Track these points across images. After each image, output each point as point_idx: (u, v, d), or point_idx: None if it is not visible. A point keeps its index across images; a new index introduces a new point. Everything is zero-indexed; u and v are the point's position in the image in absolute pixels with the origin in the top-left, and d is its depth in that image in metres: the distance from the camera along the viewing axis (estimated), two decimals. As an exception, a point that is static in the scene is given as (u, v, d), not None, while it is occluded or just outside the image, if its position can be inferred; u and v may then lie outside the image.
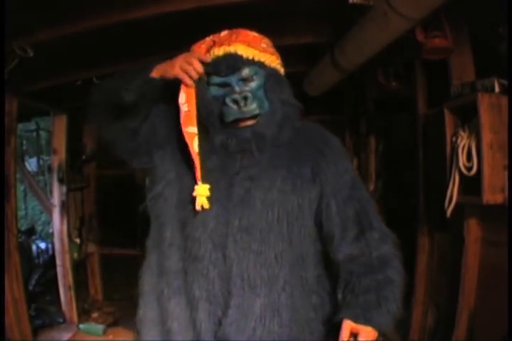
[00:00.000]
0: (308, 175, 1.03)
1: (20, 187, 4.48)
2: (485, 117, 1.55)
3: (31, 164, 4.83)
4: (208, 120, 1.02)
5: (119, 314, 3.39)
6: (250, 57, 0.99)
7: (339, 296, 1.01)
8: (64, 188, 3.18)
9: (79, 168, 3.65)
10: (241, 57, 0.98)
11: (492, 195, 1.54)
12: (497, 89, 1.57)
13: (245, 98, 0.97)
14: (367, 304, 0.96)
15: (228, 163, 1.03)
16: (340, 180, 1.05)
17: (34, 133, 4.91)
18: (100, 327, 3.05)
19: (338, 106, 3.68)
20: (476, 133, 1.60)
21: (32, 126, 4.66)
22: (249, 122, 1.00)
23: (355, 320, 0.94)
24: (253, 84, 1.00)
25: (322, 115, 3.58)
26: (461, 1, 1.63)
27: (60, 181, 3.16)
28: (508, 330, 1.27)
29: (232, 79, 0.99)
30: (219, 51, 0.99)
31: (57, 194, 3.17)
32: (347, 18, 1.87)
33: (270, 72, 1.02)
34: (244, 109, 0.97)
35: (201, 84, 1.00)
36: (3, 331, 1.97)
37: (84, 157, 3.69)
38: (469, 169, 1.62)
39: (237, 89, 0.98)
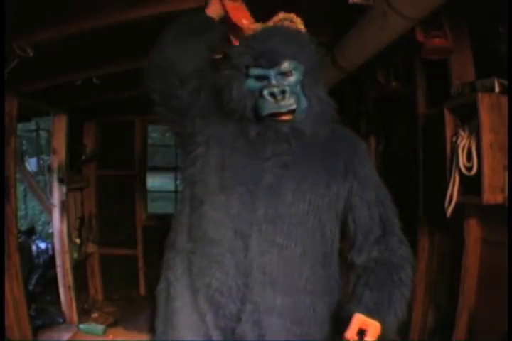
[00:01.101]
0: (342, 171, 1.04)
1: (20, 187, 4.49)
2: (485, 117, 1.55)
3: (31, 164, 4.83)
4: (242, 113, 1.00)
5: (119, 314, 3.39)
6: (291, 52, 0.97)
7: (350, 289, 1.02)
8: (64, 188, 3.17)
9: (79, 168, 3.65)
10: (282, 51, 0.97)
11: (492, 195, 1.54)
12: (497, 89, 1.57)
13: (283, 92, 0.95)
14: (380, 300, 0.95)
15: (260, 147, 1.01)
16: (368, 182, 1.06)
17: (34, 133, 4.91)
18: (100, 327, 3.05)
19: (338, 106, 3.67)
20: (476, 133, 1.60)
21: (32, 126, 4.67)
22: (286, 117, 0.98)
23: (368, 315, 0.92)
24: (291, 79, 0.98)
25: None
26: (461, 1, 1.63)
27: (60, 181, 3.15)
28: (508, 330, 1.27)
29: (271, 73, 0.97)
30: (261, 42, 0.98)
31: (57, 194, 3.17)
32: (347, 18, 1.87)
33: (309, 68, 1.00)
34: (282, 103, 0.95)
35: (239, 75, 1.00)
36: (3, 331, 1.96)
37: (84, 157, 3.69)
38: (469, 169, 1.62)
39: (274, 82, 0.97)
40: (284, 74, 0.98)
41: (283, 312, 0.97)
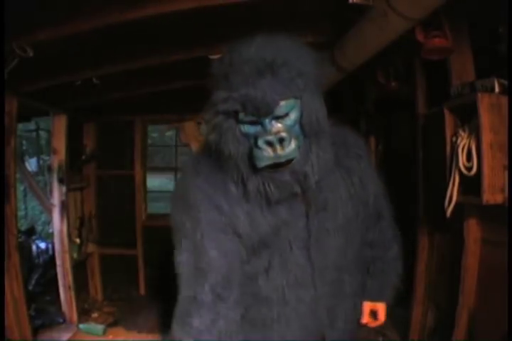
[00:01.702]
0: (357, 181, 1.06)
1: (20, 187, 4.50)
2: (485, 117, 1.55)
3: (31, 164, 4.84)
4: (236, 160, 0.88)
5: (119, 314, 3.39)
6: (285, 93, 0.82)
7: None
8: (64, 188, 3.17)
9: (79, 168, 3.65)
10: (274, 95, 0.82)
11: (492, 195, 1.54)
12: (497, 89, 1.57)
13: (281, 140, 0.82)
14: (381, 284, 1.21)
15: (291, 200, 0.94)
16: (373, 180, 1.14)
17: (34, 133, 4.92)
18: (100, 327, 3.05)
19: (338, 106, 3.68)
20: (476, 133, 1.59)
21: (32, 126, 4.67)
22: (285, 166, 0.86)
23: (373, 300, 1.22)
24: (288, 121, 0.85)
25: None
26: (461, 1, 1.62)
27: (60, 181, 3.15)
28: (508, 330, 1.27)
29: (265, 119, 0.84)
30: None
31: (57, 194, 3.17)
32: (347, 18, 1.87)
33: (307, 98, 0.86)
34: (280, 152, 0.82)
35: (230, 122, 0.86)
36: (3, 331, 1.97)
37: (84, 157, 3.69)
38: (469, 169, 1.62)
39: (269, 128, 0.83)
40: (280, 117, 0.84)
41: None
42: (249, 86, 0.80)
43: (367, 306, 1.22)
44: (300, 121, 0.86)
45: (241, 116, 0.84)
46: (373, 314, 1.24)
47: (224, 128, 0.86)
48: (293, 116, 0.85)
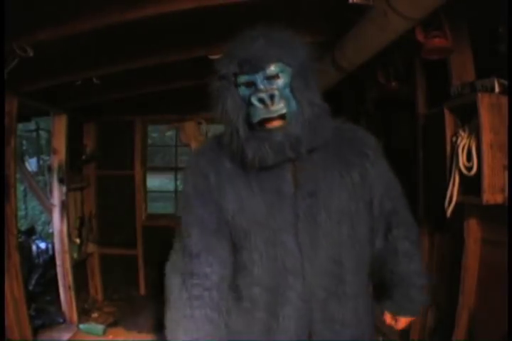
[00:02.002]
0: (358, 179, 1.04)
1: (20, 187, 4.50)
2: (485, 117, 1.55)
3: (31, 164, 4.84)
4: (236, 124, 0.97)
5: (119, 314, 3.39)
6: (275, 54, 0.94)
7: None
8: (64, 188, 3.18)
9: (79, 168, 3.66)
10: (265, 54, 0.94)
11: (492, 195, 1.54)
12: (497, 89, 1.57)
13: (272, 96, 0.92)
14: (399, 299, 1.15)
15: (280, 180, 1.00)
16: (382, 181, 1.10)
17: (34, 133, 4.92)
18: (100, 327, 3.05)
19: (338, 106, 3.68)
20: (476, 133, 1.59)
21: (32, 126, 4.67)
22: (278, 123, 0.95)
23: (393, 314, 1.20)
24: (279, 82, 0.95)
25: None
26: (461, 1, 1.63)
27: (60, 181, 3.16)
28: (508, 330, 1.27)
29: (258, 78, 0.94)
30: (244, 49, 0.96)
31: (57, 194, 3.17)
32: (347, 18, 1.87)
33: (297, 70, 0.96)
34: (272, 108, 0.92)
35: (228, 85, 0.97)
36: (3, 331, 1.97)
37: (84, 157, 3.69)
38: (469, 169, 1.62)
39: (262, 87, 0.94)
40: (272, 77, 0.95)
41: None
42: (244, 49, 0.95)
43: (387, 316, 1.22)
44: (291, 86, 0.96)
45: (239, 79, 0.96)
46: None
47: (225, 94, 0.97)
48: (283, 78, 0.95)
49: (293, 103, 0.96)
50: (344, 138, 1.08)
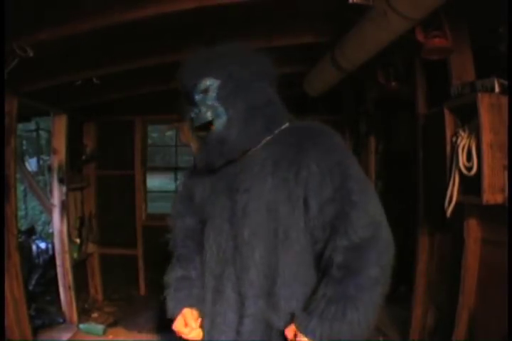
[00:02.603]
0: (292, 179, 1.01)
1: (20, 187, 4.49)
2: (485, 117, 1.55)
3: (31, 164, 4.83)
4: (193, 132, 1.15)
5: (119, 314, 3.39)
6: (204, 71, 1.08)
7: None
8: (64, 188, 3.17)
9: (79, 168, 3.65)
10: (196, 73, 1.09)
11: (492, 194, 1.54)
12: (497, 89, 1.57)
13: (199, 109, 1.08)
14: (311, 315, 0.93)
15: (225, 178, 1.11)
16: (322, 181, 0.98)
17: (34, 133, 4.92)
18: (100, 327, 3.05)
19: (338, 106, 3.68)
20: (476, 133, 1.60)
21: (32, 126, 4.67)
22: (212, 128, 1.08)
23: (297, 328, 0.95)
24: (208, 95, 1.08)
25: (322, 115, 3.58)
26: (461, 1, 1.63)
27: (60, 181, 3.15)
28: (508, 330, 1.27)
29: (194, 92, 1.09)
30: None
31: (57, 194, 3.17)
32: (347, 18, 1.87)
33: (224, 81, 1.07)
34: (200, 117, 1.07)
35: (185, 99, 1.14)
36: (3, 331, 1.97)
37: (84, 157, 3.69)
38: (469, 169, 1.62)
39: (196, 100, 1.09)
40: (204, 91, 1.08)
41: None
42: (183, 69, 1.12)
43: (290, 330, 0.97)
44: (218, 95, 1.08)
45: (184, 94, 1.13)
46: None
47: (186, 107, 1.14)
48: (212, 90, 1.08)
49: (220, 110, 1.07)
50: (291, 137, 1.06)
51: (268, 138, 1.08)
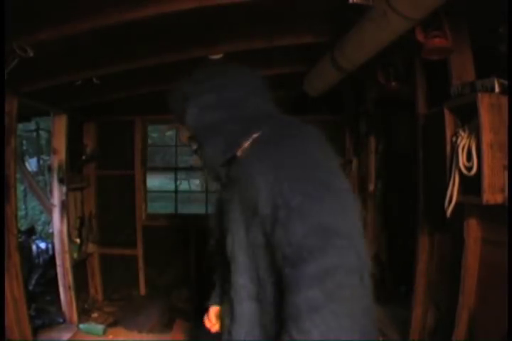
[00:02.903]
0: (244, 188, 0.93)
1: (20, 187, 4.50)
2: (485, 117, 1.55)
3: (31, 164, 4.84)
4: None
5: (119, 314, 3.39)
6: (177, 119, 1.22)
7: None
8: (64, 188, 3.18)
9: (79, 168, 3.66)
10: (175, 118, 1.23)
11: (492, 194, 1.54)
12: (497, 89, 1.57)
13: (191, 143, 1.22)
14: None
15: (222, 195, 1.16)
16: (257, 202, 0.85)
17: (34, 133, 4.93)
18: (100, 327, 3.06)
19: (338, 106, 3.68)
20: (476, 133, 1.59)
21: (32, 126, 4.68)
22: None
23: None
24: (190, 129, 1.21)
25: (322, 115, 3.59)
26: (461, 1, 1.63)
27: (60, 181, 3.16)
28: (508, 330, 1.27)
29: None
30: None
31: (57, 194, 3.17)
32: (347, 18, 1.87)
33: (187, 118, 1.16)
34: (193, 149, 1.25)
35: None
36: (3, 331, 1.97)
37: (84, 157, 3.69)
38: (469, 169, 1.62)
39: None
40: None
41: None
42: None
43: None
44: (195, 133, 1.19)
45: None
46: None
47: None
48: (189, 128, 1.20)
49: (200, 138, 1.17)
50: (254, 150, 0.97)
51: (239, 153, 1.03)
